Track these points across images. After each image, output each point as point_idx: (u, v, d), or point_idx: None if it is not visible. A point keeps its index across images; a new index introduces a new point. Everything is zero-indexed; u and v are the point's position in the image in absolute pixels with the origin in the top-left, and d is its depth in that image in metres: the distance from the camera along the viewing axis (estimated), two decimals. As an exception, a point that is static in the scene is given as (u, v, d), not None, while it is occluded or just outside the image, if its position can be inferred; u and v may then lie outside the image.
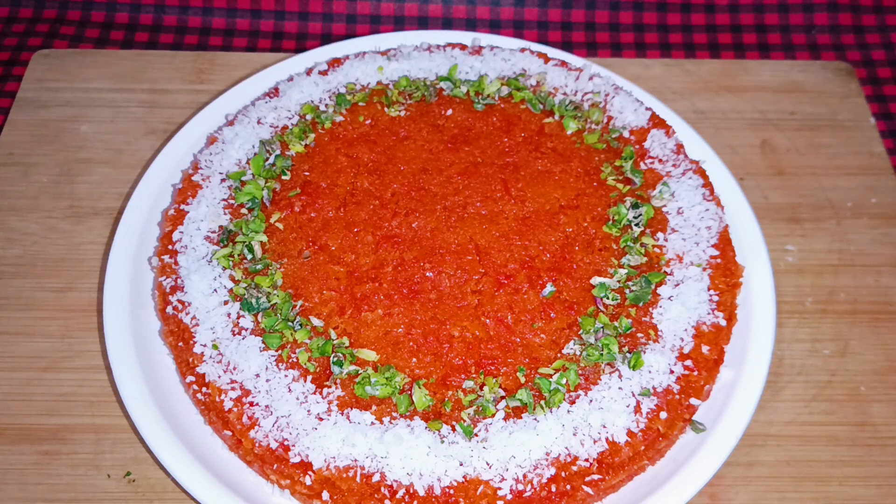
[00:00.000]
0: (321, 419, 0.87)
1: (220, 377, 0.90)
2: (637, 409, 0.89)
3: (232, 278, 0.97)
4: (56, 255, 1.16)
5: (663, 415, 0.89)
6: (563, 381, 0.90)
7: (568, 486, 0.85)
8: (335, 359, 0.91)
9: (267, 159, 1.08)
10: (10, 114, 1.30)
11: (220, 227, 1.02)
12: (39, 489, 0.97)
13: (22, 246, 1.16)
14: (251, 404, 0.89)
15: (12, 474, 0.98)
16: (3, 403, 1.03)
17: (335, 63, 1.20)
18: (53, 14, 1.50)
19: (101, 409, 1.03)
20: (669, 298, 0.96)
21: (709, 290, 0.97)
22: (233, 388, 0.90)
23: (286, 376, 0.90)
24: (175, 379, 0.97)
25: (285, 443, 0.86)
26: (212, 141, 1.11)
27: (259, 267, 0.98)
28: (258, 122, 1.12)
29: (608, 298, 0.97)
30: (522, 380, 0.91)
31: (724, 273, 0.99)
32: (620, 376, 0.91)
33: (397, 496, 0.84)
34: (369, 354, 0.92)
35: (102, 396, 1.03)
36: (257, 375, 0.90)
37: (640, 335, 0.94)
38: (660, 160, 1.09)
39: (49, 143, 1.27)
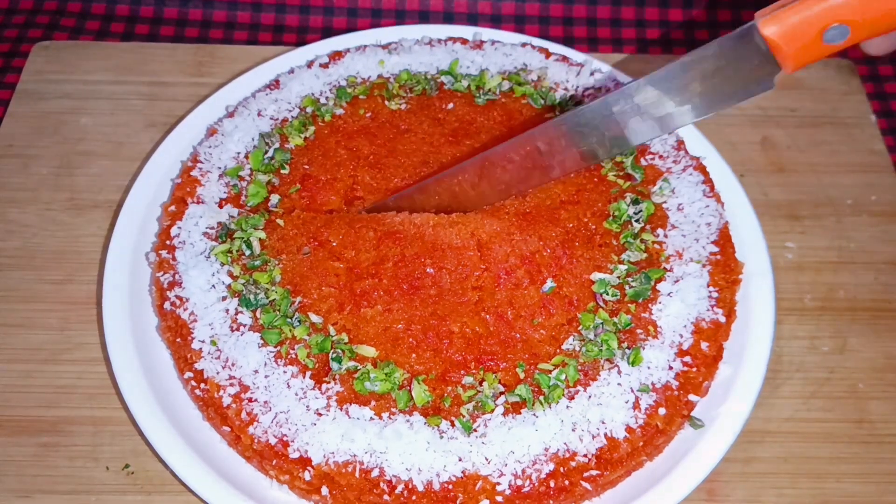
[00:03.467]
0: (320, 414, 0.87)
1: (218, 373, 0.90)
2: (636, 405, 0.89)
3: (230, 274, 0.97)
4: (56, 248, 1.15)
5: (662, 411, 0.89)
6: (563, 376, 0.90)
7: (566, 482, 0.85)
8: (334, 355, 0.91)
9: (266, 153, 1.08)
10: (10, 105, 1.30)
11: (219, 223, 1.02)
12: (38, 481, 0.97)
13: (21, 238, 1.16)
14: (250, 400, 0.89)
15: (11, 466, 0.98)
16: (2, 395, 1.03)
17: (336, 56, 1.19)
18: (54, 6, 1.50)
19: (99, 401, 1.02)
20: (669, 295, 0.96)
21: (708, 286, 0.97)
22: (231, 385, 0.89)
23: (285, 372, 0.90)
24: (174, 372, 0.97)
25: (284, 438, 0.86)
26: (212, 133, 1.11)
27: (258, 263, 0.98)
28: (258, 115, 1.12)
29: (608, 294, 0.97)
30: (522, 375, 0.91)
31: (724, 270, 0.99)
32: (619, 372, 0.91)
33: (396, 491, 0.84)
34: (368, 351, 0.92)
35: (101, 389, 1.03)
36: (256, 371, 0.90)
37: (639, 331, 0.94)
38: (660, 156, 1.09)
39: (49, 136, 1.27)
